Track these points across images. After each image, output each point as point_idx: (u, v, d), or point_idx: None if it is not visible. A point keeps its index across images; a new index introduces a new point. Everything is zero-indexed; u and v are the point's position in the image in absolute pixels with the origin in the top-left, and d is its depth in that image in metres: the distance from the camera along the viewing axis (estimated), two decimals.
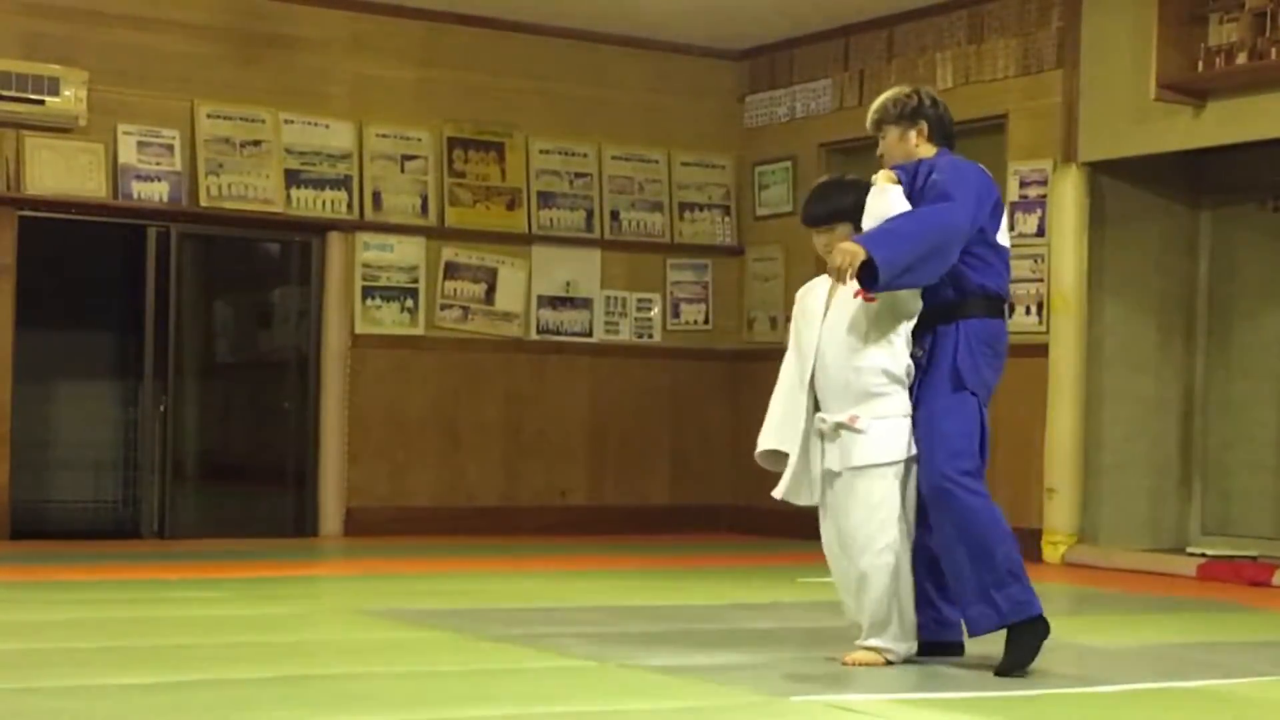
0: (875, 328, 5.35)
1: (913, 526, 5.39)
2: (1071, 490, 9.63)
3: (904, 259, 5.16)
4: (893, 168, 5.51)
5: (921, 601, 5.43)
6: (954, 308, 5.39)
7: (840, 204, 5.49)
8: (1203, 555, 9.19)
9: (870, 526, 5.31)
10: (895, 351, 5.36)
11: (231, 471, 11.14)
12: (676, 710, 4.72)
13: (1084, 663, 5.79)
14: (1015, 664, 5.26)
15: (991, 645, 5.42)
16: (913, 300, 5.35)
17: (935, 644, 5.49)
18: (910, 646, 5.38)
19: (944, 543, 5.34)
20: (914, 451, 5.35)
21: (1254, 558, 9.05)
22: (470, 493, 11.10)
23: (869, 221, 5.35)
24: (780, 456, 5.49)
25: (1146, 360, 10.00)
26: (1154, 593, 8.17)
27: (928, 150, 5.57)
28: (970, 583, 5.28)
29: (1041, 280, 9.82)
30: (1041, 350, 9.76)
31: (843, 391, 5.35)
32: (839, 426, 5.34)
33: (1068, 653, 6.10)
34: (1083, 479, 9.68)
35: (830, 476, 5.40)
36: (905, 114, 5.61)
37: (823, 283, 5.52)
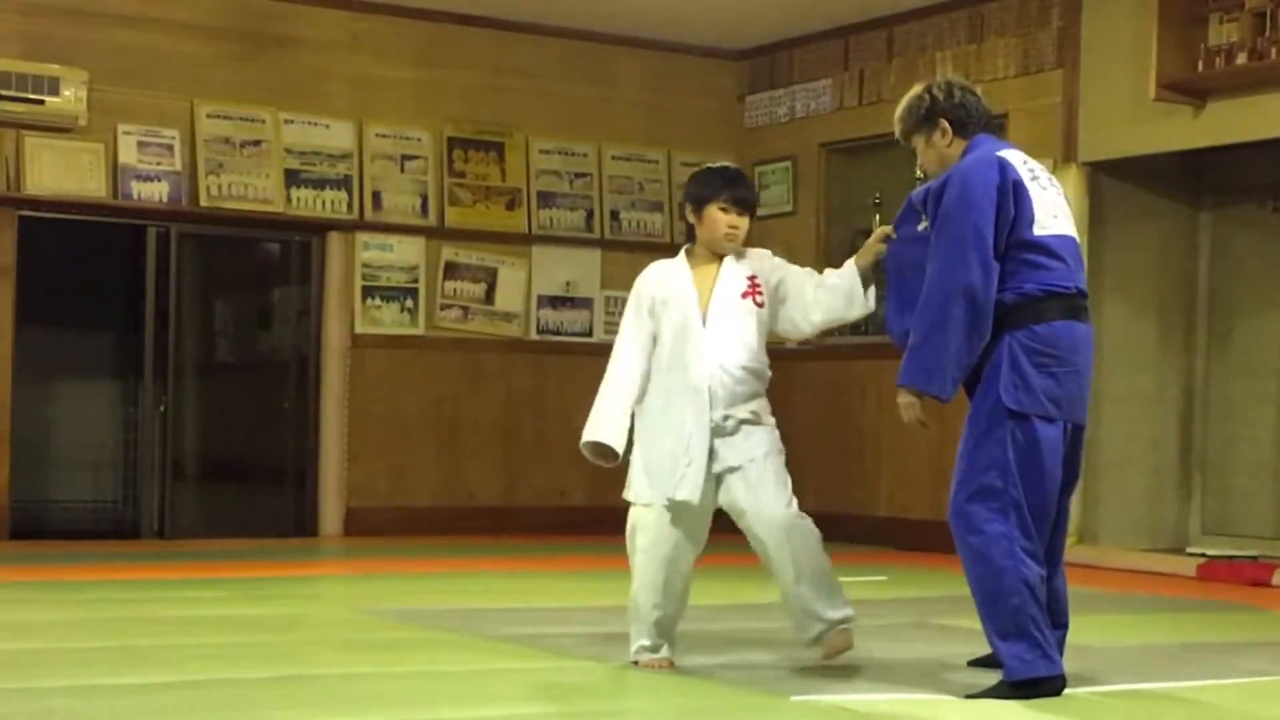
0: (756, 331, 5.31)
1: None
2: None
3: (949, 363, 4.89)
4: (911, 202, 5.23)
5: None
6: (997, 322, 4.95)
7: (756, 199, 5.53)
8: (1203, 555, 9.19)
9: (792, 502, 5.25)
10: (764, 355, 5.33)
11: (231, 471, 11.13)
12: (677, 710, 4.72)
13: (1084, 663, 5.79)
14: (988, 693, 4.92)
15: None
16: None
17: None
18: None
19: (968, 579, 4.99)
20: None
21: (1254, 558, 9.05)
22: (470, 493, 11.09)
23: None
24: (606, 451, 5.36)
25: (1146, 360, 10.00)
26: (1154, 593, 8.16)
27: (959, 147, 5.21)
28: (984, 623, 4.97)
29: None
30: None
31: (733, 393, 5.25)
32: (726, 428, 5.23)
33: (1068, 653, 6.10)
34: (1083, 479, 9.66)
35: (729, 473, 5.26)
36: (922, 119, 5.25)
37: (677, 270, 5.42)
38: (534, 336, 11.30)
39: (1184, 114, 9.17)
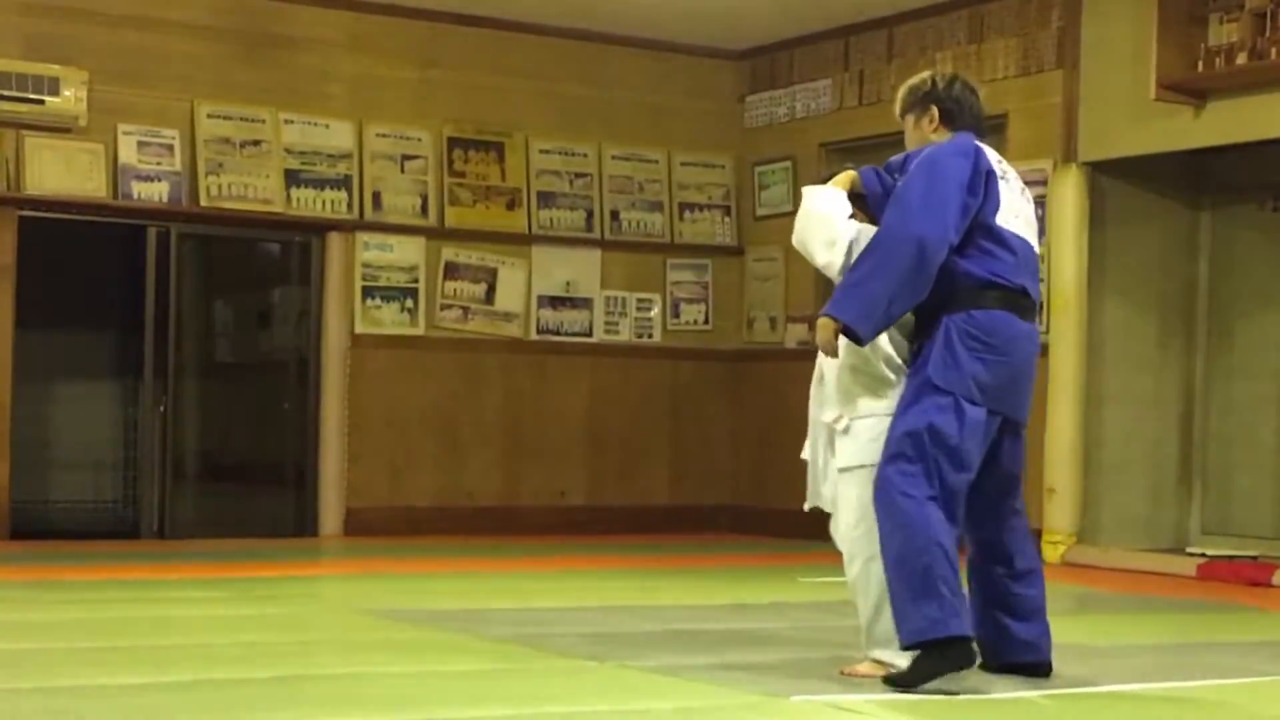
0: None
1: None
2: (1071, 490, 9.63)
3: (877, 304, 4.97)
4: (886, 169, 5.39)
5: (989, 623, 5.18)
6: (940, 303, 5.06)
7: None
8: (1203, 555, 9.19)
9: (856, 533, 5.15)
10: (873, 347, 5.15)
11: (231, 471, 11.14)
12: (676, 710, 4.72)
13: (1084, 663, 5.79)
14: (903, 679, 4.94)
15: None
16: None
17: (1014, 665, 5.21)
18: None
19: (881, 543, 5.04)
20: None
21: (1254, 558, 9.05)
22: (470, 493, 11.09)
23: (800, 221, 5.30)
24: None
25: (1146, 360, 10.00)
26: (1154, 593, 8.17)
27: (942, 136, 5.32)
28: (892, 590, 4.96)
29: (1042, 280, 9.79)
30: (1042, 350, 9.73)
31: (834, 392, 5.25)
32: (830, 427, 5.25)
33: (1068, 653, 6.10)
34: (1083, 479, 9.68)
35: (836, 475, 5.29)
36: (917, 100, 5.40)
37: None
38: (534, 336, 11.30)
39: (1184, 114, 9.17)
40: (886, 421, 5.10)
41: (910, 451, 4.98)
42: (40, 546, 9.63)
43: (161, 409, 10.43)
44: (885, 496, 5.00)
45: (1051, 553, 9.58)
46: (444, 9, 10.97)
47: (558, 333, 11.36)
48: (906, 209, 5.06)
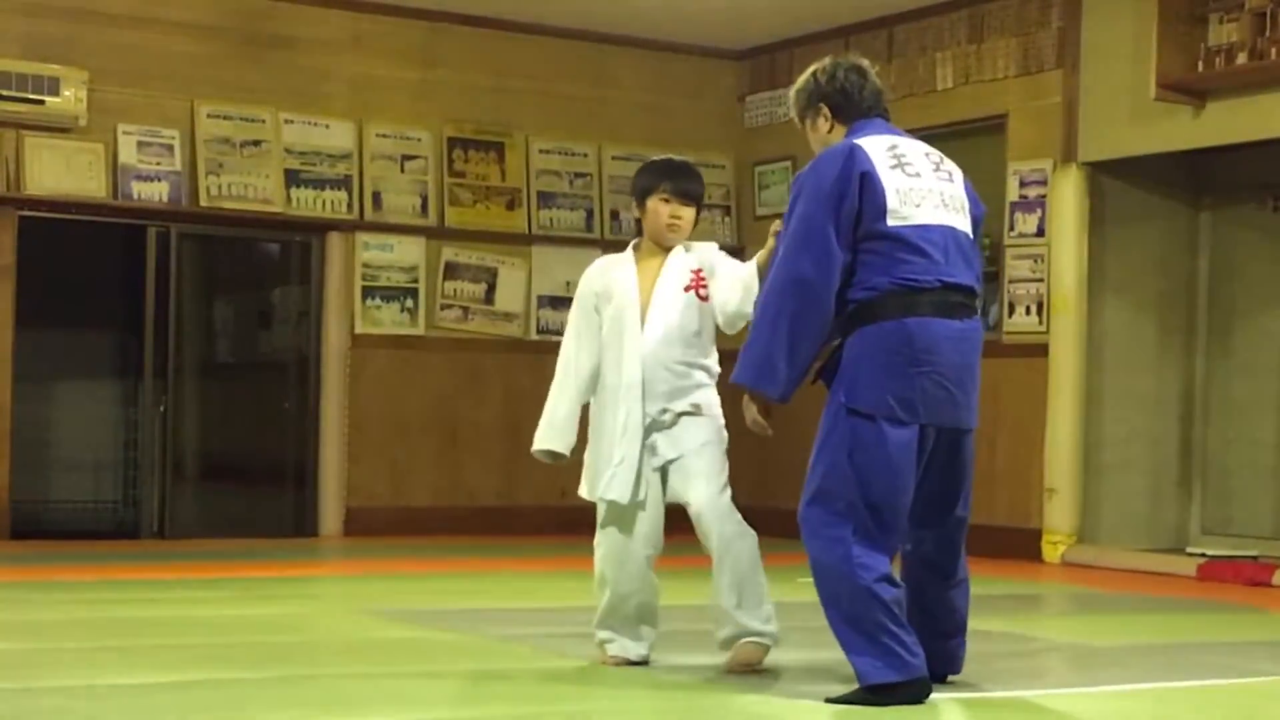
0: (697, 325, 5.25)
1: None
2: (1071, 490, 9.63)
3: (774, 357, 4.72)
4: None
5: (917, 630, 4.83)
6: (845, 321, 4.76)
7: (701, 190, 5.49)
8: (1203, 555, 9.19)
9: (728, 497, 5.23)
10: (710, 348, 5.30)
11: (231, 471, 11.14)
12: (676, 710, 4.72)
13: (1084, 663, 5.79)
14: (847, 698, 4.73)
15: (974, 659, 5.40)
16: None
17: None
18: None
19: (815, 584, 4.80)
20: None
21: (1254, 558, 9.05)
22: (470, 493, 11.09)
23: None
24: (558, 456, 5.43)
25: (1146, 360, 10.00)
26: (1154, 593, 8.17)
27: (839, 133, 4.99)
28: (835, 632, 4.76)
29: (1041, 280, 9.82)
30: (1041, 350, 9.76)
31: (674, 387, 5.22)
32: (661, 423, 5.21)
33: (1068, 653, 6.10)
34: (1083, 479, 9.68)
35: (669, 465, 5.23)
36: (805, 103, 5.06)
37: (621, 264, 5.41)
38: (534, 336, 11.30)
39: (1184, 114, 9.17)
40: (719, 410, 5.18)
41: (834, 488, 4.68)
42: (40, 546, 9.63)
43: (161, 409, 10.43)
44: (811, 539, 4.74)
45: (1051, 553, 9.59)
46: (444, 9, 10.97)
47: (558, 333, 11.27)
48: (785, 250, 4.75)
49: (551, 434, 5.41)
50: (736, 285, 5.19)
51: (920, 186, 4.80)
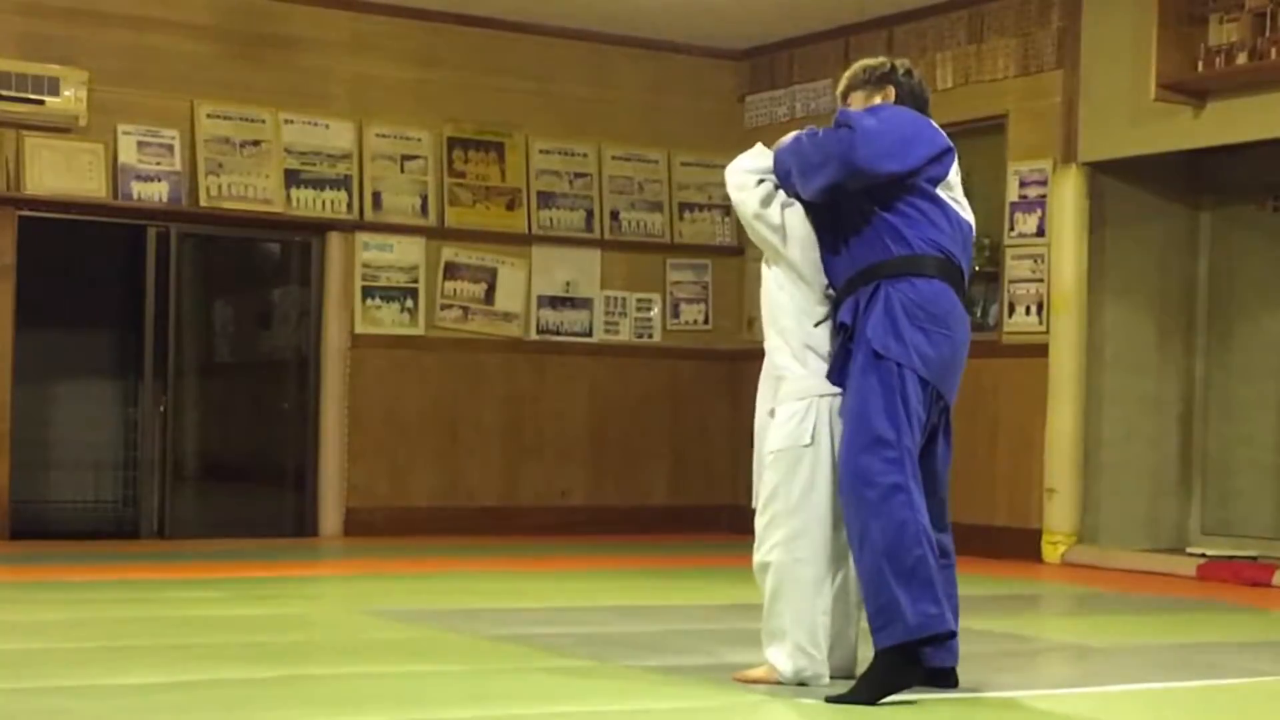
0: (771, 311, 5.18)
1: (827, 525, 4.91)
2: (1071, 490, 9.63)
3: (802, 158, 4.99)
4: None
5: None
6: (875, 269, 4.88)
7: None
8: (1203, 555, 9.19)
9: (762, 520, 4.96)
10: (785, 331, 5.10)
11: (231, 471, 11.14)
12: (676, 710, 4.72)
13: (1084, 663, 5.79)
14: (857, 694, 4.71)
15: (974, 659, 5.40)
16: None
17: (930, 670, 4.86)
18: (808, 668, 4.88)
19: (852, 539, 4.83)
20: (813, 439, 4.89)
21: (1254, 558, 9.05)
22: (470, 493, 11.09)
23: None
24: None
25: (1146, 360, 10.00)
26: (1154, 593, 8.17)
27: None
28: (882, 586, 4.72)
29: (1041, 280, 9.82)
30: (1041, 350, 9.76)
31: (768, 382, 5.12)
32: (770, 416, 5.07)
33: (1068, 653, 6.11)
34: (1083, 479, 9.68)
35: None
36: (874, 79, 5.19)
37: None
38: (534, 336, 11.30)
39: (1184, 114, 9.17)
40: (798, 406, 4.93)
41: (885, 434, 4.75)
42: (40, 546, 9.63)
43: (161, 409, 10.43)
44: (867, 487, 4.73)
45: (1051, 553, 9.59)
46: (444, 9, 10.96)
47: (558, 333, 11.36)
48: (856, 126, 4.91)
49: None
50: None
51: (958, 189, 5.06)
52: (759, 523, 4.99)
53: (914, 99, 5.18)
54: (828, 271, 5.07)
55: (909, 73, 5.22)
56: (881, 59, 5.30)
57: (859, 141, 4.86)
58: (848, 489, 4.81)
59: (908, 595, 4.68)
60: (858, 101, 5.19)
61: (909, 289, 4.85)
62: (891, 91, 5.17)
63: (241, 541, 10.08)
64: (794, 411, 4.96)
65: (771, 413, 5.03)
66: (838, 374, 4.94)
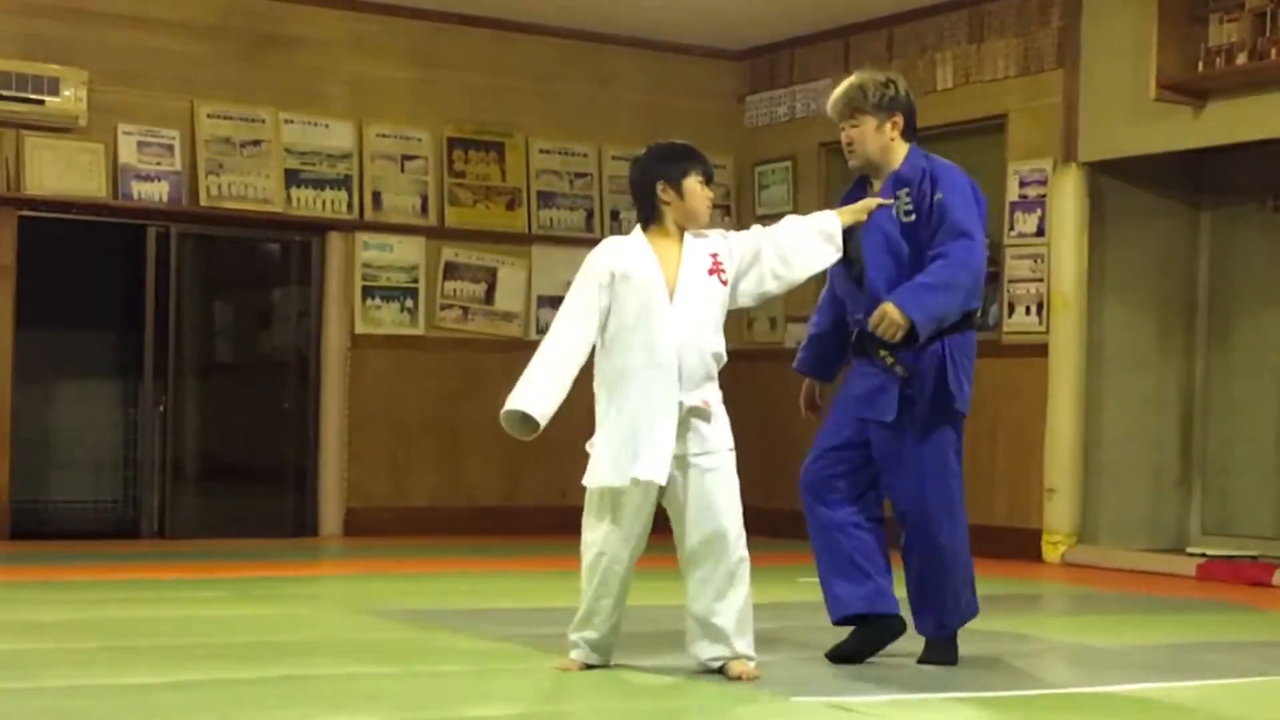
0: (720, 311, 5.21)
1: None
2: (1071, 490, 9.63)
3: (939, 312, 5.19)
4: (894, 182, 5.35)
5: (858, 575, 5.38)
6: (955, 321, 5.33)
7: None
8: (1203, 555, 9.19)
9: (738, 517, 5.17)
10: (722, 334, 5.25)
11: (231, 471, 11.13)
12: (676, 710, 4.73)
13: (1084, 663, 5.79)
14: (941, 658, 5.41)
15: (974, 660, 5.39)
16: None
17: (875, 616, 5.41)
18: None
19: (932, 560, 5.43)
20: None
21: (1254, 558, 9.05)
22: (470, 493, 11.09)
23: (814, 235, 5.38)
24: (529, 424, 5.16)
25: (1146, 360, 10.00)
26: (1154, 593, 8.17)
27: (902, 146, 5.38)
28: (959, 579, 5.42)
29: (1041, 280, 9.82)
30: (1041, 350, 9.76)
31: (694, 374, 5.13)
32: (692, 411, 5.12)
33: (1068, 653, 6.11)
34: (1083, 479, 9.68)
35: (681, 464, 5.15)
36: (884, 104, 5.36)
37: (637, 246, 5.23)
38: (534, 336, 11.28)
39: (1184, 114, 9.17)
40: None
41: (957, 472, 5.38)
42: (40, 546, 9.63)
43: (161, 409, 10.43)
44: (948, 518, 5.35)
45: (1051, 553, 9.59)
46: (444, 9, 10.97)
47: None
48: (974, 233, 5.25)
49: (530, 393, 5.12)
50: (819, 238, 5.37)
51: None
52: (736, 519, 5.26)
53: (912, 122, 5.41)
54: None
55: (908, 93, 5.43)
56: (883, 78, 5.41)
57: (982, 251, 5.30)
58: (939, 516, 5.38)
59: (967, 597, 5.44)
60: (868, 126, 5.36)
61: (966, 342, 5.37)
62: (900, 121, 5.36)
63: (241, 541, 10.08)
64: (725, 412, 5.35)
65: (710, 408, 5.27)
66: (879, 405, 5.36)
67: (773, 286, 5.35)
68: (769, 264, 5.31)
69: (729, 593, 5.14)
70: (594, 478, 5.26)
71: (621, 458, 5.16)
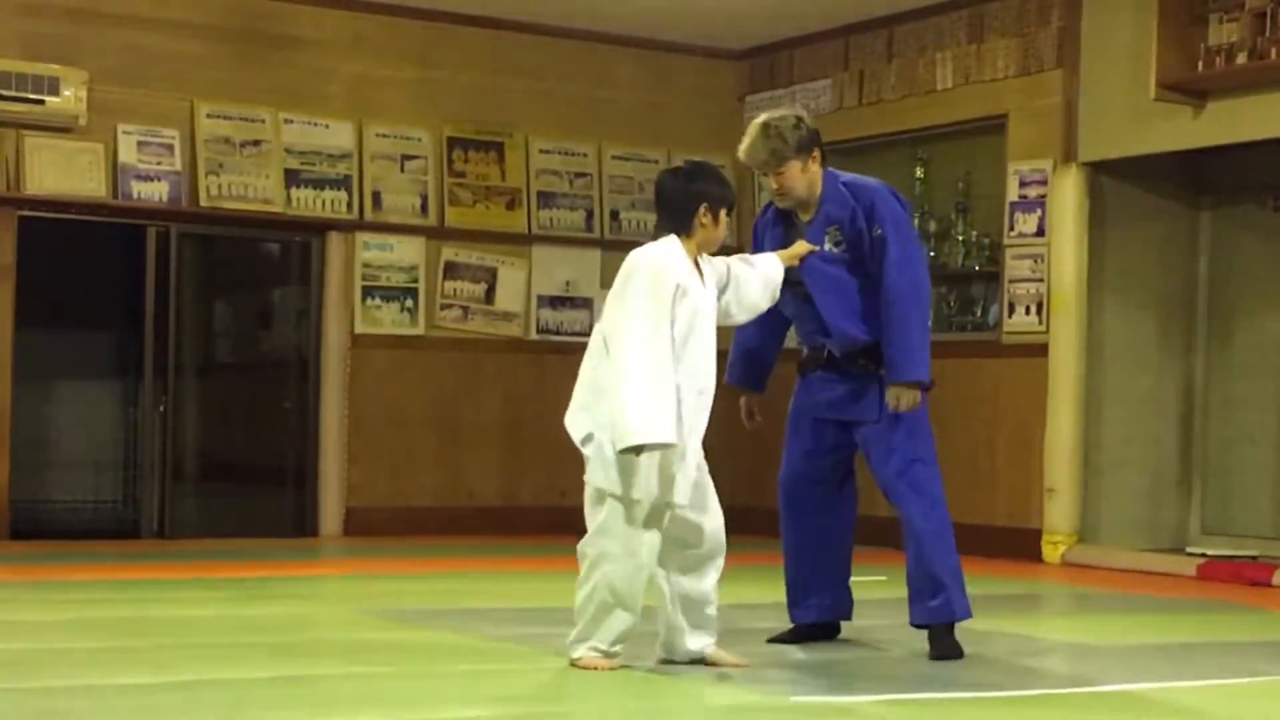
0: None
1: None
2: (1071, 490, 9.63)
3: (925, 346, 5.60)
4: (823, 221, 5.65)
5: (828, 582, 5.86)
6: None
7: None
8: (1203, 555, 9.19)
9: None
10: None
11: (231, 471, 11.14)
12: (676, 710, 4.73)
13: (1084, 663, 5.79)
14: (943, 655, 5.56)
15: (975, 660, 5.39)
16: None
17: (828, 625, 5.93)
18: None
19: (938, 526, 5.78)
20: None
21: (1254, 558, 9.05)
22: (470, 493, 11.09)
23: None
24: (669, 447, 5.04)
25: (1146, 360, 10.00)
26: (1154, 593, 8.17)
27: (819, 172, 5.69)
28: (952, 572, 5.69)
29: (1041, 280, 9.82)
30: (1041, 350, 9.76)
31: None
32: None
33: (1068, 653, 6.11)
34: (1083, 479, 9.68)
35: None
36: (803, 145, 5.63)
37: (685, 263, 5.15)
38: (534, 336, 11.30)
39: (1184, 114, 9.17)
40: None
41: (930, 452, 5.73)
42: (40, 546, 9.63)
43: (161, 409, 10.43)
44: (926, 486, 5.66)
45: (1051, 553, 9.59)
46: (444, 9, 10.97)
47: (558, 333, 11.36)
48: (910, 261, 5.60)
49: (671, 423, 4.98)
50: (764, 287, 5.49)
51: None
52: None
53: (822, 143, 5.73)
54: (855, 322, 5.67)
55: (812, 122, 5.73)
56: (793, 119, 5.66)
57: (919, 257, 5.74)
58: (904, 491, 5.73)
59: (959, 588, 5.67)
60: (793, 170, 5.63)
61: None
62: (819, 154, 5.68)
63: (241, 541, 10.08)
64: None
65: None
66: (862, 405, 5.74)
67: (722, 322, 5.41)
68: (728, 302, 5.43)
69: (713, 591, 5.40)
70: (641, 490, 5.20)
71: (663, 476, 5.16)
